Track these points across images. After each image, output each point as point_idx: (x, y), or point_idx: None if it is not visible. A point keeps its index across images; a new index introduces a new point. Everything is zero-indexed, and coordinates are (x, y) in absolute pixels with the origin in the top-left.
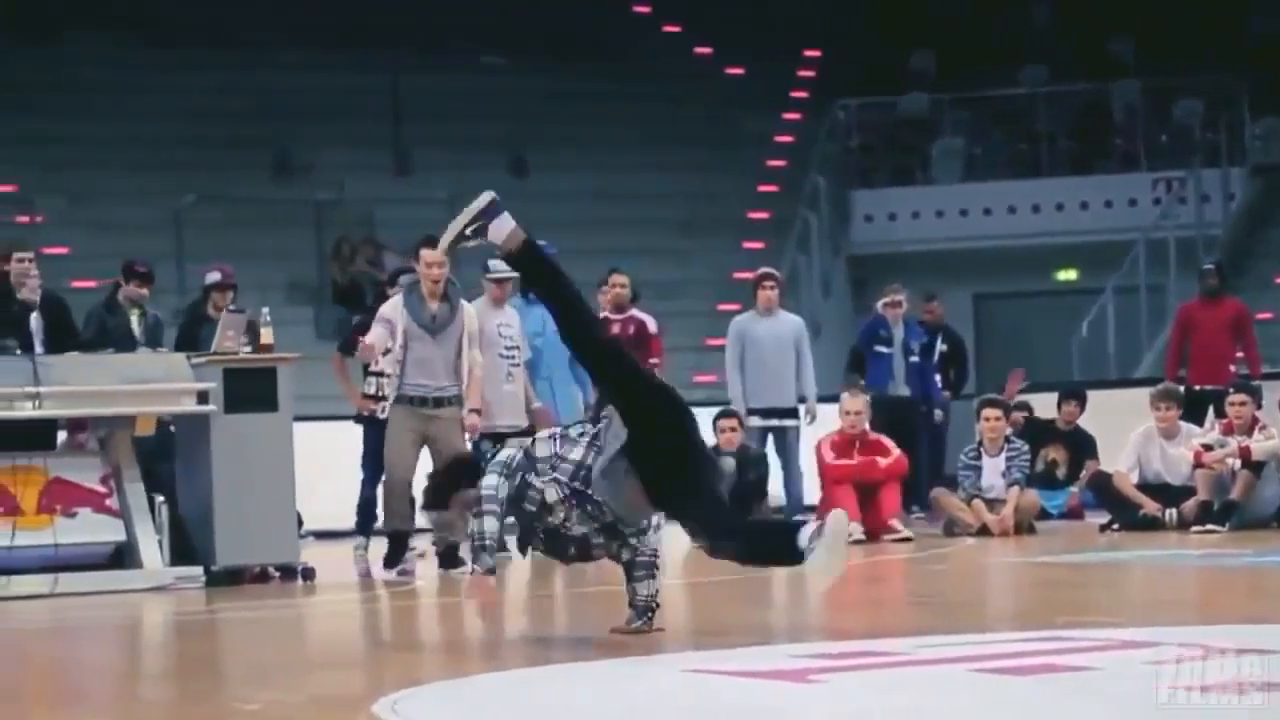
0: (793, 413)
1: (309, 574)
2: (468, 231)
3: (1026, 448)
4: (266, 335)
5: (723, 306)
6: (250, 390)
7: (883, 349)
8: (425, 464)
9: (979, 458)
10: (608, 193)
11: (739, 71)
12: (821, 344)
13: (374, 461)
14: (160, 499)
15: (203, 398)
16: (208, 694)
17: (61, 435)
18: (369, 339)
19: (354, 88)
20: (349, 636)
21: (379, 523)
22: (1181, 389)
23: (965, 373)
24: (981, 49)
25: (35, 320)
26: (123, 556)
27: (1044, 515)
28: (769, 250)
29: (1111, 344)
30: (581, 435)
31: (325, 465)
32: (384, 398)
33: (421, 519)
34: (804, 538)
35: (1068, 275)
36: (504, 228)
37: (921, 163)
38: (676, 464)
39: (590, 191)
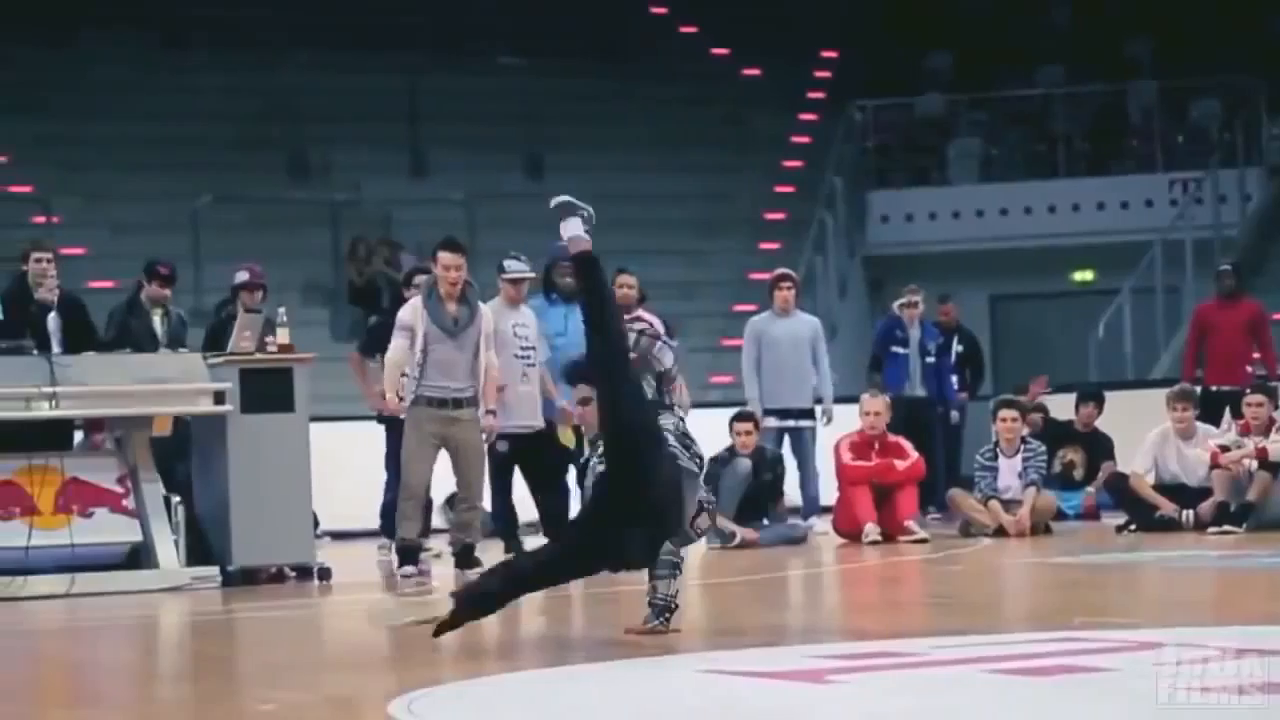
0: (809, 413)
1: (325, 574)
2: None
3: (1043, 448)
4: (283, 335)
5: (738, 307)
6: (267, 390)
7: (899, 350)
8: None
9: (995, 459)
10: (624, 193)
11: (756, 72)
12: (838, 345)
13: (398, 462)
14: (177, 499)
15: (219, 398)
16: (223, 694)
17: (78, 435)
18: (388, 381)
19: (371, 88)
20: (365, 637)
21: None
22: (1198, 390)
23: (981, 373)
24: (998, 50)
25: (53, 320)
26: (139, 557)
27: (1060, 516)
28: (785, 251)
29: (1128, 345)
30: None
31: (341, 465)
32: None
33: (439, 519)
34: None
35: (1084, 276)
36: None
37: (938, 163)
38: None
39: (606, 192)
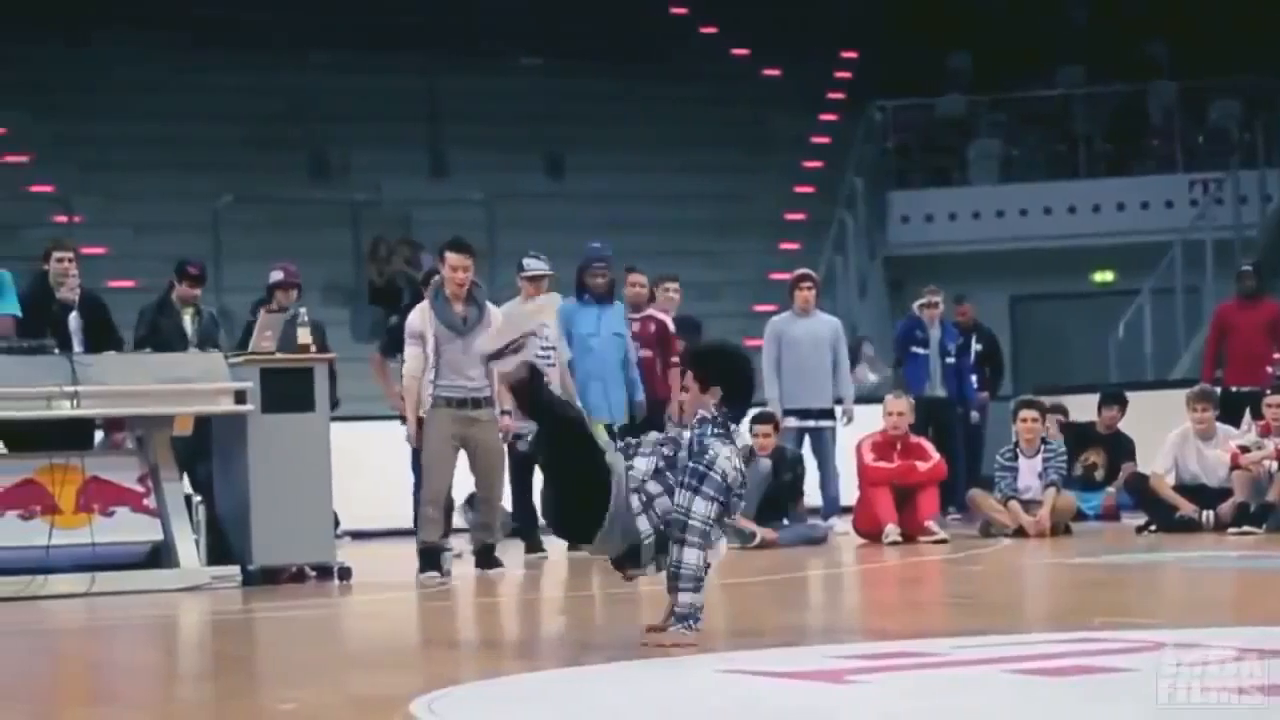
0: (829, 414)
1: (345, 574)
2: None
3: (1063, 449)
4: (303, 335)
5: (759, 307)
6: (287, 390)
7: (919, 350)
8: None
9: (1015, 459)
10: (644, 194)
11: (776, 73)
12: None
13: None
14: (198, 498)
15: (240, 397)
16: (244, 693)
17: (99, 435)
18: (409, 402)
19: (391, 89)
20: (385, 636)
21: (454, 520)
22: (1218, 390)
23: (1001, 371)
24: (1018, 50)
25: (74, 320)
26: (160, 556)
27: (1080, 517)
28: (805, 251)
29: (1148, 345)
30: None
31: (362, 465)
32: None
33: (459, 519)
34: None
35: (1104, 277)
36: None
37: (958, 164)
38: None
39: (626, 192)
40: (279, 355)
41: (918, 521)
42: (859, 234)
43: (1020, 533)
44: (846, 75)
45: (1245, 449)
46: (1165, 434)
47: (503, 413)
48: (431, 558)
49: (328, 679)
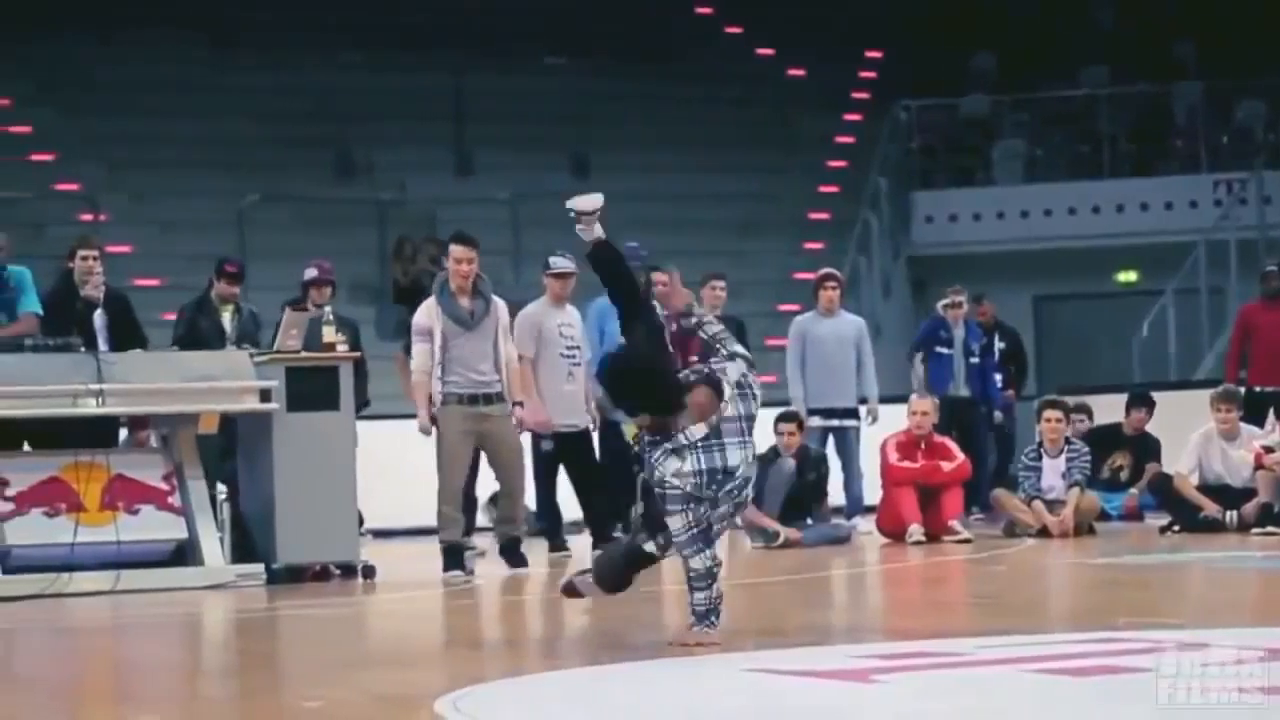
0: (853, 413)
1: (369, 572)
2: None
3: (1086, 449)
4: (329, 334)
5: (783, 307)
6: (312, 389)
7: (943, 350)
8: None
9: (1039, 459)
10: (669, 193)
11: (800, 73)
12: (881, 345)
13: None
14: (223, 496)
15: (265, 396)
16: (269, 691)
17: (124, 432)
18: (420, 398)
19: (416, 88)
20: (409, 634)
21: (477, 518)
22: (1242, 390)
23: (1025, 369)
24: (1043, 50)
25: (99, 317)
26: (184, 554)
27: (1104, 517)
28: (829, 251)
29: (1172, 346)
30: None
31: (386, 464)
32: None
33: (482, 518)
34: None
35: (1128, 277)
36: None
37: (982, 164)
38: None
39: (651, 192)
40: (304, 354)
41: (941, 521)
42: (883, 234)
43: (1044, 533)
44: (871, 75)
45: (1269, 449)
46: (1189, 434)
47: (515, 404)
48: (455, 556)
49: (352, 677)
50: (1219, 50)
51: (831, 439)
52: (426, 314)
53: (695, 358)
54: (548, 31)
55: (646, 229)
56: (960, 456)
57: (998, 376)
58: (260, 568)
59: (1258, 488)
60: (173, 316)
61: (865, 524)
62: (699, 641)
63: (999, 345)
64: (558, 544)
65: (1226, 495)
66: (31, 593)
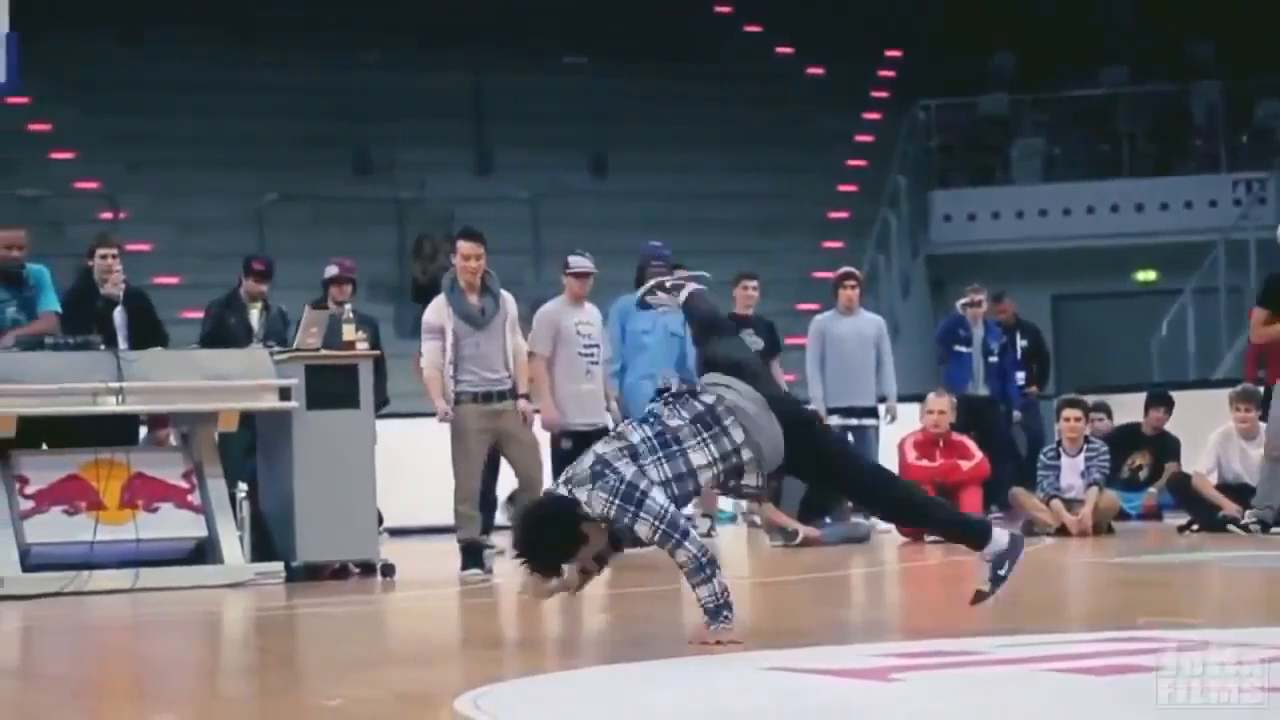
0: (872, 412)
1: (389, 570)
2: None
3: (1105, 448)
4: (349, 332)
5: (802, 306)
6: (332, 387)
7: (962, 349)
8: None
9: (1058, 458)
10: (688, 192)
11: (819, 71)
12: (900, 344)
13: None
14: (242, 494)
15: (285, 394)
16: (288, 689)
17: (143, 430)
18: (434, 391)
19: (436, 87)
20: (428, 633)
21: (496, 517)
22: (1261, 390)
23: (1048, 367)
24: (1062, 49)
25: (119, 315)
26: (204, 552)
27: (1122, 516)
28: (848, 250)
29: (1191, 345)
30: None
31: (405, 462)
32: None
33: (501, 517)
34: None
35: (1147, 276)
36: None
37: (1001, 163)
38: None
39: (670, 191)
40: (324, 352)
41: None
42: (902, 233)
43: (1062, 532)
44: (890, 74)
45: None
46: (1208, 434)
47: (521, 396)
48: (473, 554)
49: (371, 675)
50: (1238, 49)
51: (850, 438)
52: (437, 312)
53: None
54: (567, 30)
55: (665, 228)
56: (978, 455)
57: (1020, 375)
58: (279, 566)
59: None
60: (192, 314)
61: (884, 523)
62: (719, 640)
63: (1021, 343)
64: None
65: (1245, 495)
66: (51, 591)
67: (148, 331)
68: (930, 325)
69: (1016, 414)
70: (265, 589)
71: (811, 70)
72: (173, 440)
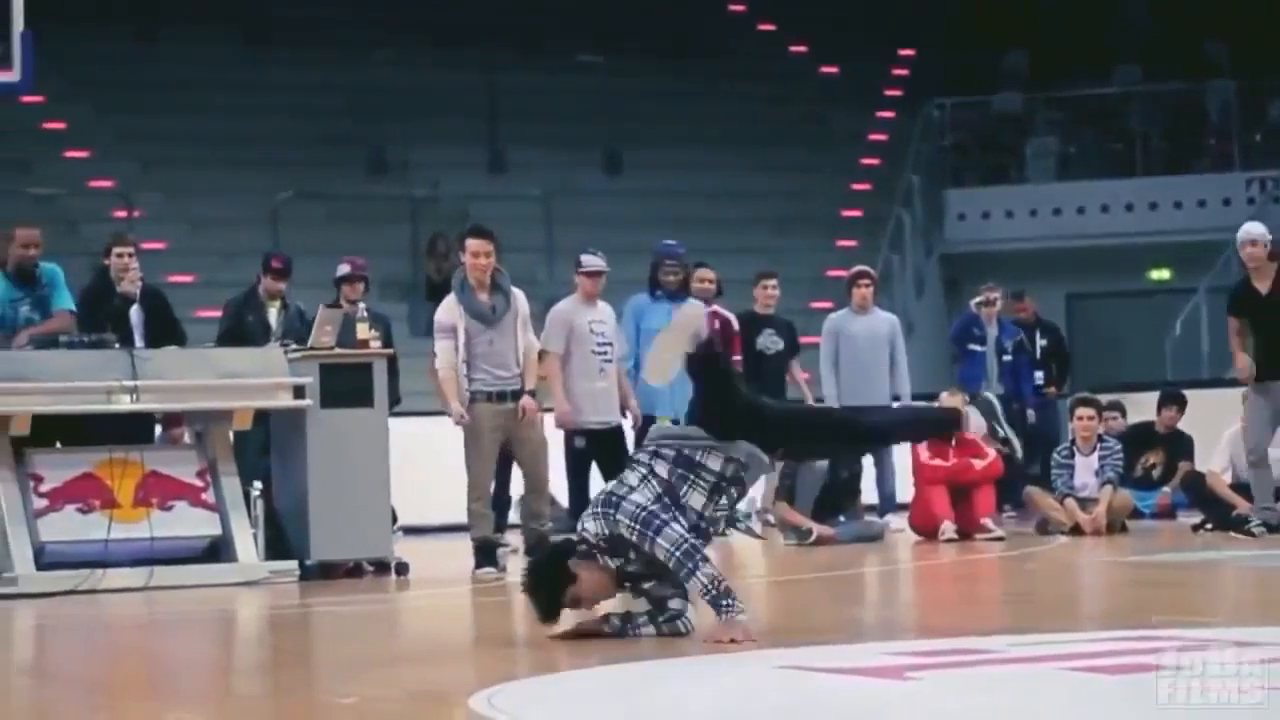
0: None
1: (403, 569)
2: None
3: (1119, 447)
4: (362, 331)
5: (815, 304)
6: (346, 385)
7: (976, 348)
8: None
9: (1072, 456)
10: (702, 191)
11: (833, 70)
12: (914, 342)
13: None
14: (256, 493)
15: (299, 393)
16: (302, 688)
17: (158, 429)
18: (450, 393)
19: (450, 86)
20: (443, 631)
21: (510, 516)
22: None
23: (1068, 366)
24: (1076, 48)
25: (135, 313)
26: (218, 550)
27: (1136, 515)
28: (862, 249)
29: (1205, 344)
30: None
31: (419, 461)
32: None
33: (514, 515)
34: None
35: (1161, 275)
36: None
37: (1015, 161)
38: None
39: (684, 189)
40: (338, 350)
41: (974, 519)
42: (916, 232)
43: (1076, 530)
44: (904, 73)
45: None
46: (1222, 432)
47: (527, 392)
48: (487, 553)
49: (385, 674)
50: (1252, 48)
51: None
52: (448, 311)
53: (738, 357)
54: (581, 29)
55: (679, 227)
56: (992, 454)
57: (1038, 374)
58: (294, 564)
59: None
60: (206, 313)
61: (898, 521)
62: (733, 639)
63: (1040, 342)
64: None
65: None
66: (65, 589)
67: (164, 329)
68: (944, 324)
69: (1030, 413)
70: (279, 587)
71: (825, 69)
72: (187, 439)
